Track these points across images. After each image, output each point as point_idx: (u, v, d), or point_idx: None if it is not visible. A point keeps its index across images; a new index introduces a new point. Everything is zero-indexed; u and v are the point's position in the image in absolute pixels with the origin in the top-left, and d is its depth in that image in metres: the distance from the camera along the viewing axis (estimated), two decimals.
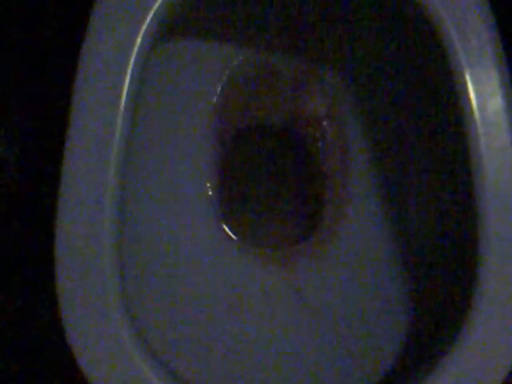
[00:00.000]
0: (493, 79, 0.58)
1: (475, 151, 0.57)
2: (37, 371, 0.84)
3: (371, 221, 0.73)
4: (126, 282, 0.57)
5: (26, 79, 0.86)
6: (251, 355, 0.68)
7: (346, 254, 0.72)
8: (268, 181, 0.75)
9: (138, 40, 0.58)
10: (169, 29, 0.64)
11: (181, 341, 0.66)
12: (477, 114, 0.58)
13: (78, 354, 0.54)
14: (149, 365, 0.55)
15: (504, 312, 0.56)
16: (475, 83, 0.58)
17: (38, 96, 0.85)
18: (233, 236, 0.73)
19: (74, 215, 0.56)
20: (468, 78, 0.58)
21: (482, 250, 0.57)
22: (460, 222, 0.63)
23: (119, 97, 0.57)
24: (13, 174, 0.85)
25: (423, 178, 0.70)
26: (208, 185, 0.73)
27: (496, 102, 0.58)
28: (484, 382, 0.56)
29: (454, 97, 0.58)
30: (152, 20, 0.58)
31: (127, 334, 0.55)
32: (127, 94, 0.57)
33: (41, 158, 0.85)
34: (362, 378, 0.66)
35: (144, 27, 0.58)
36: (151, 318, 0.64)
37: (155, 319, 0.64)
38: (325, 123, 0.75)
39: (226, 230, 0.73)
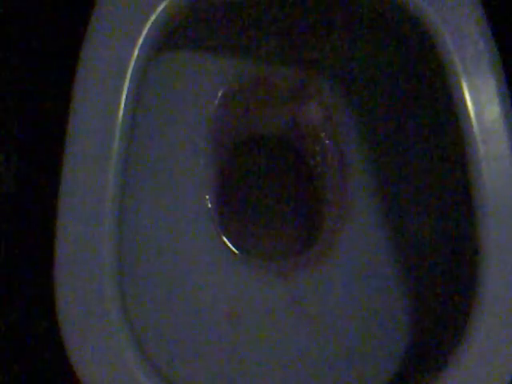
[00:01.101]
0: (490, 87, 0.58)
1: (473, 159, 0.58)
2: (35, 377, 0.83)
3: (371, 229, 0.72)
4: (126, 291, 0.57)
5: (24, 86, 0.86)
6: (250, 365, 0.68)
7: (345, 263, 0.72)
8: (267, 191, 0.75)
9: (136, 50, 0.58)
10: (167, 39, 0.64)
11: (179, 350, 0.66)
12: (474, 121, 0.58)
13: (75, 359, 0.54)
14: (145, 372, 0.55)
15: (506, 313, 0.56)
16: (472, 91, 0.58)
17: (36, 103, 0.86)
18: (232, 247, 0.73)
19: (74, 221, 0.56)
20: (465, 86, 0.58)
21: (482, 255, 0.56)
22: (460, 228, 0.63)
23: (118, 107, 0.57)
24: (11, 181, 0.85)
25: (422, 183, 0.70)
26: (207, 197, 0.73)
27: (493, 110, 0.58)
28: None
29: (451, 105, 0.59)
30: (150, 30, 0.59)
31: (125, 341, 0.55)
32: (125, 104, 0.57)
33: (39, 166, 0.85)
34: (361, 378, 0.66)
35: (142, 37, 0.58)
36: (150, 327, 0.63)
37: (154, 328, 0.64)
38: (323, 132, 0.75)
39: (226, 241, 0.73)
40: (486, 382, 0.55)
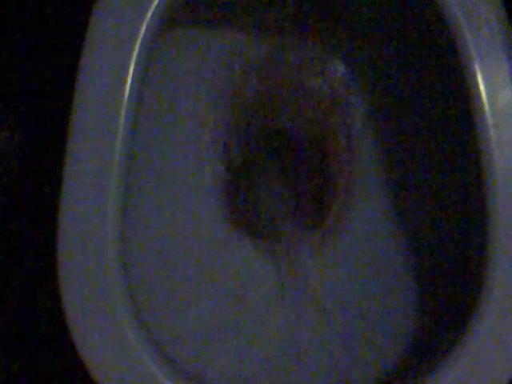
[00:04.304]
0: (503, 71, 0.57)
1: (485, 144, 0.57)
2: (37, 370, 0.83)
3: (377, 217, 0.71)
4: (131, 277, 0.57)
5: (31, 71, 0.85)
6: (255, 345, 0.68)
7: (350, 249, 0.71)
8: (274, 175, 0.75)
9: (142, 31, 0.57)
10: (171, 21, 0.63)
11: (186, 334, 0.66)
12: (487, 106, 0.57)
13: (84, 353, 0.54)
14: (154, 361, 0.55)
15: (509, 313, 0.55)
16: (485, 75, 0.57)
17: (41, 87, 0.85)
18: (238, 229, 0.72)
19: (77, 213, 0.55)
20: (478, 69, 0.57)
21: (490, 250, 0.56)
22: (468, 219, 0.62)
23: (123, 89, 0.56)
24: (13, 164, 0.84)
25: (431, 174, 0.69)
26: (213, 178, 0.72)
27: (507, 94, 0.57)
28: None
29: (463, 89, 0.58)
30: (156, 10, 0.58)
31: (133, 331, 0.54)
32: (131, 86, 0.57)
33: (42, 149, 0.84)
34: (361, 377, 0.65)
35: (148, 17, 0.57)
36: (156, 312, 0.63)
37: (160, 313, 0.64)
38: (329, 119, 0.74)
39: (232, 223, 0.72)
40: (485, 381, 0.55)
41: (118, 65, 0.57)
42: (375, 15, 0.70)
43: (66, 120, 0.57)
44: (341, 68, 0.73)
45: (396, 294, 0.68)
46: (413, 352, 0.64)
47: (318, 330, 0.69)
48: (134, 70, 0.57)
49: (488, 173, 0.57)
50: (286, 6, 0.72)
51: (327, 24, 0.72)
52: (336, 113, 0.73)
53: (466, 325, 0.56)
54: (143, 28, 0.57)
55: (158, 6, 0.58)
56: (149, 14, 0.58)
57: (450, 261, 0.65)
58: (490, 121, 0.57)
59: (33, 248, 0.83)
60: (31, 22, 0.84)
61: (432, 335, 0.63)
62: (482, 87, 0.57)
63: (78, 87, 0.56)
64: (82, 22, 0.57)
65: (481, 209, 0.57)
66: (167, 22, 0.61)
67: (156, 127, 0.69)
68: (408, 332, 0.66)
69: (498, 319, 0.55)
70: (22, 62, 0.85)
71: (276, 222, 0.74)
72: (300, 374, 0.67)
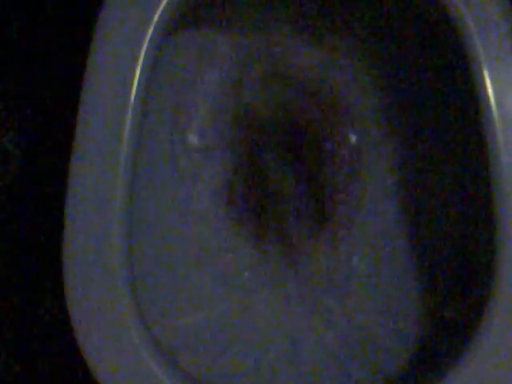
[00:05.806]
0: None
1: (493, 148, 0.57)
2: (40, 370, 0.83)
3: (383, 219, 0.71)
4: (135, 279, 0.57)
5: (35, 72, 0.85)
6: (257, 349, 0.68)
7: (353, 250, 0.71)
8: (277, 177, 0.74)
9: (149, 32, 0.57)
10: (176, 22, 0.63)
11: (188, 336, 0.66)
12: (495, 109, 0.57)
13: (87, 354, 0.54)
14: (158, 363, 0.55)
15: None
16: (494, 78, 0.57)
17: (45, 88, 0.85)
18: (242, 231, 0.72)
19: (82, 214, 0.55)
20: (486, 72, 0.57)
21: (497, 256, 0.56)
22: (475, 224, 0.62)
23: (129, 91, 0.56)
24: (16, 167, 0.85)
25: (437, 176, 0.69)
26: (219, 179, 0.72)
27: None
28: None
29: (471, 92, 0.58)
30: (163, 12, 0.58)
31: (137, 333, 0.55)
32: (137, 88, 0.57)
33: (45, 151, 0.84)
34: (362, 378, 0.65)
35: (155, 19, 0.57)
36: (159, 314, 0.63)
37: (163, 316, 0.64)
38: (333, 119, 0.74)
39: (236, 224, 0.72)
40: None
41: (124, 67, 0.57)
42: (381, 16, 0.70)
43: (70, 121, 0.57)
44: (345, 68, 0.73)
45: (399, 296, 0.68)
46: (415, 355, 0.64)
47: (320, 331, 0.69)
48: (141, 72, 0.57)
49: (496, 176, 0.56)
50: (289, 5, 0.72)
51: (330, 23, 0.72)
52: (340, 113, 0.73)
53: (471, 332, 0.55)
54: (150, 30, 0.57)
55: (165, 8, 0.58)
56: (156, 16, 0.58)
57: (457, 265, 0.65)
58: (498, 124, 0.57)
59: (34, 248, 0.83)
60: (36, 23, 0.85)
61: (436, 338, 0.63)
62: (490, 90, 0.57)
63: (84, 88, 0.56)
64: (89, 23, 0.57)
65: (488, 214, 0.57)
66: (173, 23, 0.61)
67: (160, 128, 0.69)
68: (411, 334, 0.66)
69: (504, 326, 0.55)
70: (26, 62, 0.85)
71: (279, 223, 0.73)
72: (301, 375, 0.67)
